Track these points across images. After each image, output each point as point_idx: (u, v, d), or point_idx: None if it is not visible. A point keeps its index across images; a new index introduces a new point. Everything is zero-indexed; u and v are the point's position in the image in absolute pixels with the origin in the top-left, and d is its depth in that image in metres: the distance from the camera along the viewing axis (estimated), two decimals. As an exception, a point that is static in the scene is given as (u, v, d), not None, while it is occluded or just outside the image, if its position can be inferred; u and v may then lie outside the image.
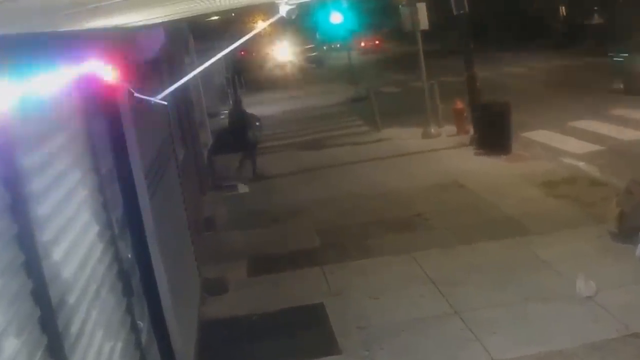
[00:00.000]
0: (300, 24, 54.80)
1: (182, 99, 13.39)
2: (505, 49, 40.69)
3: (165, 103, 5.32)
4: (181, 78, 5.76)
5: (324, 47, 66.24)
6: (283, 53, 60.28)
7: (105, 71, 5.00)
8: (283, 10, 4.73)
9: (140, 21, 5.49)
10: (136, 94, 5.38)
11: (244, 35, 5.49)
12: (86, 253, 4.51)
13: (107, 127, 5.71)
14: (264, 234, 12.23)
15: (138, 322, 5.48)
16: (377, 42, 66.32)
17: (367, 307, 8.57)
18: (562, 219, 10.73)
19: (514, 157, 15.17)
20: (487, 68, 28.34)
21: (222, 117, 22.15)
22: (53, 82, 4.12)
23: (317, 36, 63.53)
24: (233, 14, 16.02)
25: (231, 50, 5.52)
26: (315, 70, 54.21)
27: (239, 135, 16.86)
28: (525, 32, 44.56)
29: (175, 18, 7.09)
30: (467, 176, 14.08)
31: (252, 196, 15.29)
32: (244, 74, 45.35)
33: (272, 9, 5.40)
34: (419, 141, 18.48)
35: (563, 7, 46.20)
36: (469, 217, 11.56)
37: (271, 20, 5.58)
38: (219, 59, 5.60)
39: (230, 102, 18.96)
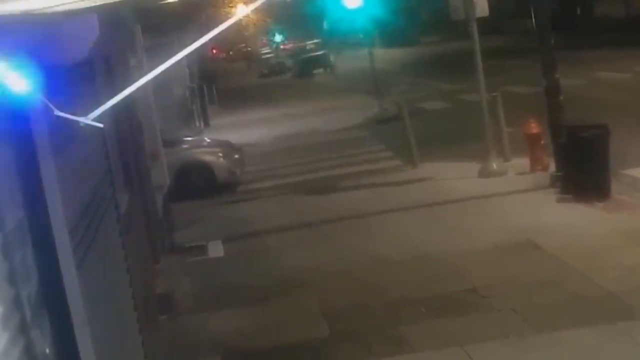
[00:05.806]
0: (300, 10, 55.34)
1: (125, 120, 13.45)
2: (600, 45, 40.88)
3: (101, 125, 5.32)
4: (124, 89, 5.77)
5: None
6: (276, 52, 60.81)
7: (11, 78, 5.02)
8: (275, -10, 4.75)
9: (63, 5, 5.53)
10: (58, 112, 5.40)
11: (216, 26, 5.52)
12: (-18, 346, 4.51)
13: (14, 161, 5.72)
14: (246, 319, 12.20)
15: None
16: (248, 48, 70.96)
17: None
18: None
19: (614, 204, 15.15)
20: (574, 73, 28.48)
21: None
22: None
23: (325, 27, 64.14)
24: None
25: (198, 48, 5.55)
26: (322, 76, 54.58)
27: None
28: (630, 21, 44.80)
29: (115, 1, 7.16)
30: (546, 233, 14.05)
31: (228, 262, 15.26)
32: (216, 82, 45.68)
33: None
34: (474, 181, 18.51)
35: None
36: (548, 293, 11.51)
37: (257, 3, 5.62)
38: (180, 61, 5.63)
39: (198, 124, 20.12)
